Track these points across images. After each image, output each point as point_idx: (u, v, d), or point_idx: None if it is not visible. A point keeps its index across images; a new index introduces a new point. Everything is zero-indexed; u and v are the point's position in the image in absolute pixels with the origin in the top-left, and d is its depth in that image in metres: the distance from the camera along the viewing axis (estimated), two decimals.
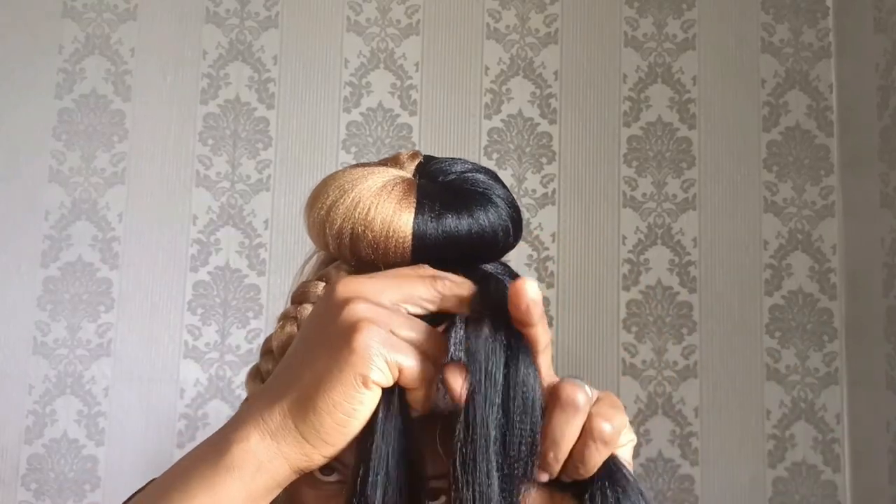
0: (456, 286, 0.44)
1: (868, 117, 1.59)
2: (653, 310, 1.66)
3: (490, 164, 1.68)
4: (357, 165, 0.52)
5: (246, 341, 1.62)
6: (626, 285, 1.66)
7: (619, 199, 1.69)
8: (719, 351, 1.65)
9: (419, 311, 0.43)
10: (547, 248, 1.66)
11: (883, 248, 1.52)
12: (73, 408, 1.58)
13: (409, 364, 0.41)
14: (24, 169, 1.64)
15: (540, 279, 1.64)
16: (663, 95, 1.72)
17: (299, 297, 0.52)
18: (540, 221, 1.67)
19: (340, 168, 0.53)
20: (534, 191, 1.68)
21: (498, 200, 0.51)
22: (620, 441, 0.43)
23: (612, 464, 0.43)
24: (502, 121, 1.70)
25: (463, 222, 0.49)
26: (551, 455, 0.41)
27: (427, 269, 0.45)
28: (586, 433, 0.41)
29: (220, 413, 1.59)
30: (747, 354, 1.65)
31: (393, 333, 0.41)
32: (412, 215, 0.48)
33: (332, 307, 0.42)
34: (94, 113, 1.66)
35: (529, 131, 1.70)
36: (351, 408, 0.40)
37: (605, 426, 0.41)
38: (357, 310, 0.41)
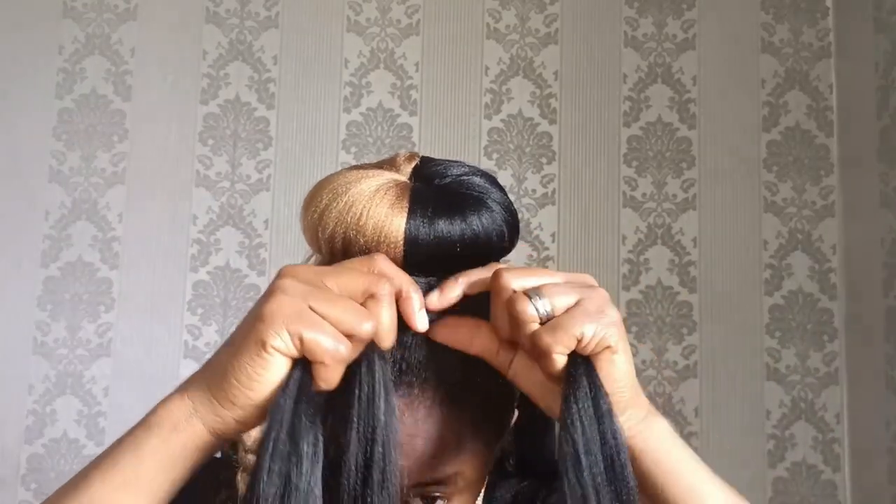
0: (387, 305, 0.44)
1: (868, 117, 1.59)
2: (653, 310, 1.66)
3: (490, 165, 1.68)
4: (353, 168, 0.52)
5: None
6: (626, 285, 1.66)
7: (619, 199, 1.69)
8: (719, 351, 1.65)
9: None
10: (547, 248, 1.66)
11: (883, 248, 1.52)
12: (73, 408, 1.58)
13: (311, 337, 0.41)
14: (24, 169, 1.64)
15: None
16: (663, 95, 1.72)
17: None
18: (540, 221, 1.67)
19: (338, 170, 0.53)
20: (534, 191, 1.68)
21: (493, 205, 0.50)
22: (579, 336, 0.44)
23: (573, 372, 0.44)
24: (502, 121, 1.70)
25: (455, 227, 0.49)
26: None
27: (379, 261, 0.45)
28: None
29: None
30: (747, 354, 1.64)
31: (310, 308, 0.42)
32: (404, 220, 0.48)
33: (268, 287, 0.44)
34: (94, 113, 1.66)
35: (529, 131, 1.70)
36: (254, 371, 0.42)
37: (518, 306, 0.44)
38: (278, 283, 0.43)
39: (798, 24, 1.74)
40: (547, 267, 1.65)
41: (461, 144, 1.69)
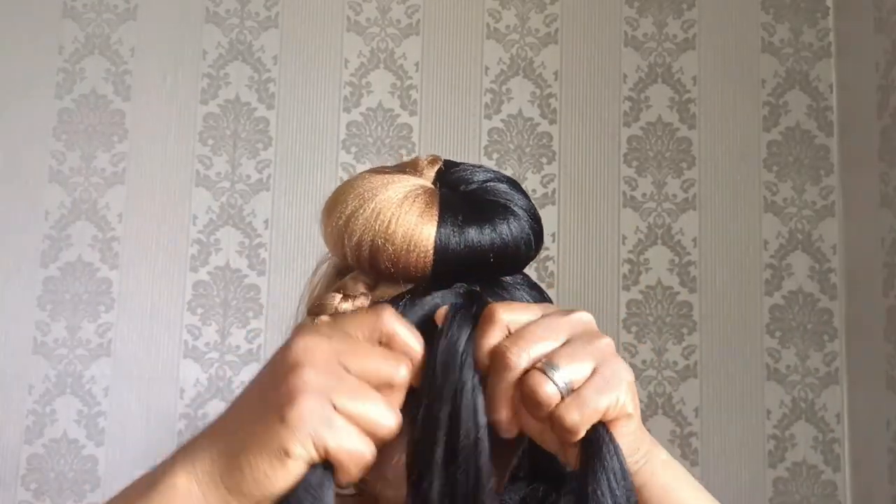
0: (411, 374, 0.42)
1: (868, 117, 1.59)
2: (653, 310, 1.66)
3: (490, 165, 1.68)
4: (375, 172, 0.51)
5: (246, 341, 1.62)
6: (626, 285, 1.66)
7: (619, 199, 1.69)
8: (719, 351, 1.65)
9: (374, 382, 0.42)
10: (547, 248, 1.66)
11: (883, 248, 1.52)
12: (73, 408, 1.58)
13: (336, 446, 0.40)
14: (24, 169, 1.64)
15: (540, 279, 1.64)
16: (663, 95, 1.72)
17: (316, 309, 0.51)
18: None
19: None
20: (534, 191, 1.68)
21: (520, 212, 0.50)
22: (604, 410, 0.43)
23: (595, 440, 0.43)
24: (502, 121, 1.70)
25: (485, 236, 0.48)
26: (493, 412, 0.43)
27: (387, 318, 0.43)
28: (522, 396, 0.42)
29: (219, 413, 1.59)
30: (747, 354, 1.64)
31: (335, 408, 0.40)
32: (434, 228, 0.47)
33: (283, 365, 0.41)
34: (94, 113, 1.66)
35: (529, 131, 1.70)
36: (272, 474, 0.40)
37: (539, 388, 0.41)
38: (301, 378, 0.40)
39: (798, 24, 1.74)
40: (546, 267, 1.65)
41: (461, 144, 1.69)
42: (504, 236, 0.49)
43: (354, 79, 1.70)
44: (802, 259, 1.68)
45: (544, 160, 1.69)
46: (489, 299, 0.50)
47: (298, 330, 0.43)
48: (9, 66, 1.66)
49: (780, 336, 1.65)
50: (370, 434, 0.41)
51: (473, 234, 0.48)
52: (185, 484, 0.42)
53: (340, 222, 0.49)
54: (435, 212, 0.48)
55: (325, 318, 0.49)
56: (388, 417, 0.41)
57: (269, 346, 1.61)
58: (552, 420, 0.42)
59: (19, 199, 1.63)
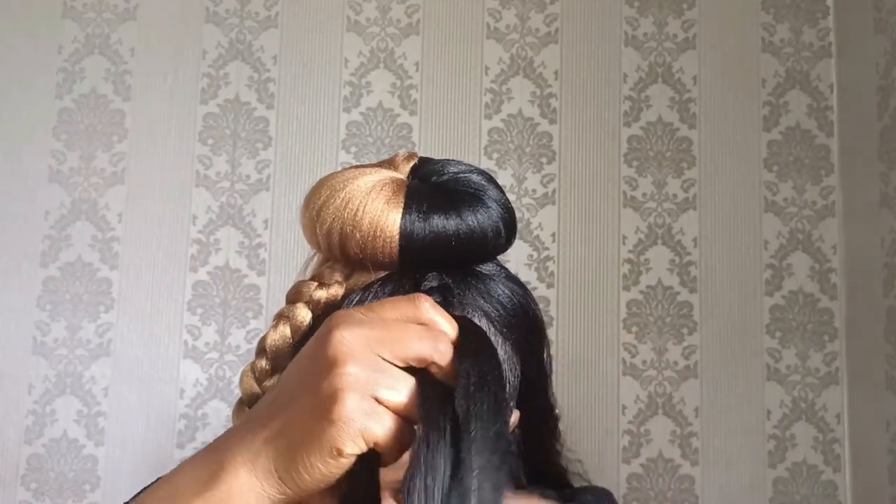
0: (449, 348, 0.43)
1: (868, 117, 1.59)
2: (653, 310, 1.66)
3: (490, 165, 1.68)
4: (353, 167, 0.53)
5: (246, 341, 1.62)
6: (626, 285, 1.66)
7: (619, 199, 1.69)
8: (719, 351, 1.65)
9: (413, 364, 0.43)
10: (547, 248, 1.66)
11: (883, 248, 1.52)
12: (72, 408, 1.58)
13: (386, 437, 0.41)
14: (24, 169, 1.64)
15: (540, 279, 1.64)
16: (663, 95, 1.72)
17: (293, 296, 0.52)
18: (540, 221, 1.67)
19: (337, 169, 0.54)
20: (534, 191, 1.68)
21: (489, 202, 0.51)
22: None
23: None
24: (502, 121, 1.70)
25: (451, 222, 0.49)
26: None
27: (424, 305, 0.43)
28: None
29: (220, 413, 1.59)
30: (747, 354, 1.64)
31: (376, 399, 0.41)
32: (399, 215, 0.48)
33: (323, 360, 0.42)
34: (94, 113, 1.66)
35: (529, 131, 1.70)
36: (327, 469, 0.41)
37: None
38: (343, 375, 0.41)
39: (798, 24, 1.74)
40: (546, 267, 1.65)
41: (461, 144, 1.69)
42: (470, 223, 0.49)
43: (354, 79, 1.70)
44: (802, 259, 1.67)
45: (544, 160, 1.69)
46: (459, 291, 0.50)
47: (335, 320, 0.43)
48: (9, 66, 1.66)
49: (780, 336, 1.65)
50: (411, 418, 0.42)
51: (438, 221, 0.49)
52: (246, 478, 0.43)
53: (314, 212, 0.50)
54: (401, 199, 0.49)
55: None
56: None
57: None
58: None
59: (19, 199, 1.63)
